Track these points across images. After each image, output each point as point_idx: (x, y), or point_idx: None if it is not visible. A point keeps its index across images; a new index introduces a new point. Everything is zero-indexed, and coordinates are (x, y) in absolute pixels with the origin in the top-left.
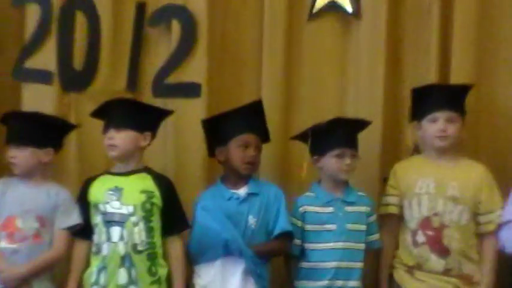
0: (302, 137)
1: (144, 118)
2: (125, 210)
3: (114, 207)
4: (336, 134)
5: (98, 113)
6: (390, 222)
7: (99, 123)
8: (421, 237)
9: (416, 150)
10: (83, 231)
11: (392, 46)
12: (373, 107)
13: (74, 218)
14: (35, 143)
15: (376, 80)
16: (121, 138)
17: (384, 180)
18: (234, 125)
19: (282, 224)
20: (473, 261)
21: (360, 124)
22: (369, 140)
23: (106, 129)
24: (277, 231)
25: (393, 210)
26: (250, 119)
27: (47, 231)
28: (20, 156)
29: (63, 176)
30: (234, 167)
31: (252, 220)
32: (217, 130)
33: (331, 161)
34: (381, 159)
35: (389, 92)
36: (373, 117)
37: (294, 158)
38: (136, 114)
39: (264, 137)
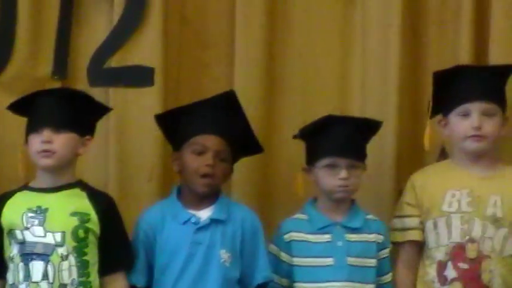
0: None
1: (86, 116)
2: (50, 238)
3: (36, 234)
4: (327, 138)
5: (19, 106)
6: (409, 252)
7: (16, 121)
8: (451, 272)
9: (444, 154)
10: None
11: (410, 16)
12: (385, 99)
13: None
14: None
15: (389, 63)
16: (61, 142)
17: (400, 193)
18: (189, 124)
19: (264, 271)
20: None
21: (364, 124)
22: (379, 144)
23: (37, 128)
24: (258, 281)
25: (415, 236)
26: (211, 115)
27: None
28: None
29: None
30: (187, 180)
31: (225, 255)
32: (173, 130)
33: (321, 174)
34: (397, 169)
35: (406, 77)
36: (385, 113)
37: (280, 167)
38: (78, 111)
39: (241, 142)
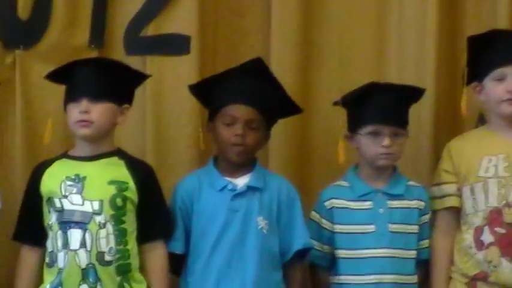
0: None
1: (123, 85)
2: (88, 206)
3: (74, 202)
4: (370, 106)
5: (57, 76)
6: (447, 219)
7: (54, 90)
8: (488, 237)
9: (482, 121)
10: (32, 235)
11: None
12: (423, 66)
13: None
14: None
15: (427, 29)
16: (99, 112)
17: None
18: (219, 94)
19: (302, 238)
20: None
21: (407, 92)
22: (417, 111)
23: (75, 98)
24: (297, 247)
25: (453, 202)
26: (239, 85)
27: None
28: None
29: (3, 164)
30: (221, 149)
31: (262, 222)
32: (207, 100)
33: (364, 141)
34: (435, 136)
35: (443, 44)
36: (423, 80)
37: (316, 135)
38: (115, 81)
39: (276, 107)
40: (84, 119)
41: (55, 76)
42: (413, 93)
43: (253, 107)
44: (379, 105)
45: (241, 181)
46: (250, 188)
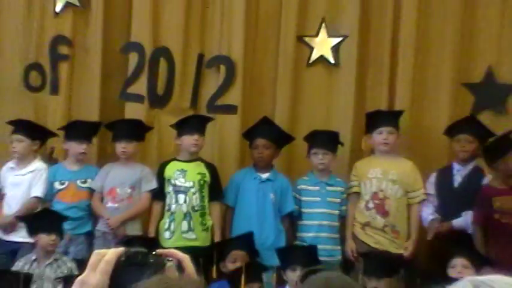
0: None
1: (205, 125)
2: (187, 184)
3: (181, 182)
4: (315, 138)
5: (179, 123)
6: (353, 197)
7: (173, 132)
8: (371, 204)
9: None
10: (160, 195)
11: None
12: (343, 122)
13: (153, 184)
14: (138, 138)
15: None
16: (202, 140)
17: None
18: (251, 136)
19: (291, 205)
20: (403, 222)
21: (327, 134)
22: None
23: (191, 133)
24: (288, 209)
25: (356, 190)
26: (259, 129)
27: (136, 194)
28: (129, 147)
29: (147, 160)
30: (253, 160)
31: (272, 197)
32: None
33: (312, 157)
34: (350, 156)
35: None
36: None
37: (296, 152)
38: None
39: (278, 141)
40: (196, 144)
41: (179, 123)
42: (333, 135)
43: (268, 139)
44: (320, 137)
45: (265, 175)
46: (268, 179)
